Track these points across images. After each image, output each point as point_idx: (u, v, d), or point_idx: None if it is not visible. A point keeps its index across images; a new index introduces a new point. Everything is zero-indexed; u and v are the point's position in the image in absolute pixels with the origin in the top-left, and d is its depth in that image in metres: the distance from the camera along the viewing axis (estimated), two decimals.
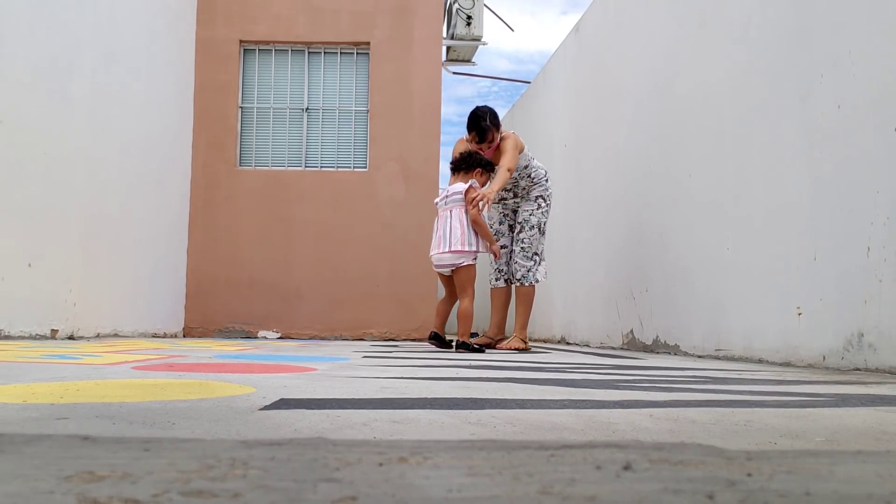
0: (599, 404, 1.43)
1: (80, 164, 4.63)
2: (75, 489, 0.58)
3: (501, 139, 4.76)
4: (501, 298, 4.90)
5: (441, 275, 4.41)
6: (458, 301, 4.33)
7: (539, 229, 4.81)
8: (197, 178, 6.66)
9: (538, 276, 4.75)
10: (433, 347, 4.56)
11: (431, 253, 4.38)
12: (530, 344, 4.95)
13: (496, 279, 4.92)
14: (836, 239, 2.91)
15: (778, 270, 3.30)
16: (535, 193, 4.86)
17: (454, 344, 4.22)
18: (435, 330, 4.37)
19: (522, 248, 4.81)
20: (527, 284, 4.75)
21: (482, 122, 4.65)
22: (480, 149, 4.69)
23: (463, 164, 4.38)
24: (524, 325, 4.72)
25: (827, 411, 1.38)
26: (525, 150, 4.89)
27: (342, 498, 0.57)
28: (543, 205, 4.83)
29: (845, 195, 2.87)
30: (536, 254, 4.78)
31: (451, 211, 4.24)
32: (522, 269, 4.75)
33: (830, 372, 2.71)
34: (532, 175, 4.88)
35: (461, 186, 4.26)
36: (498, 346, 4.70)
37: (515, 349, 4.56)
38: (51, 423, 1.00)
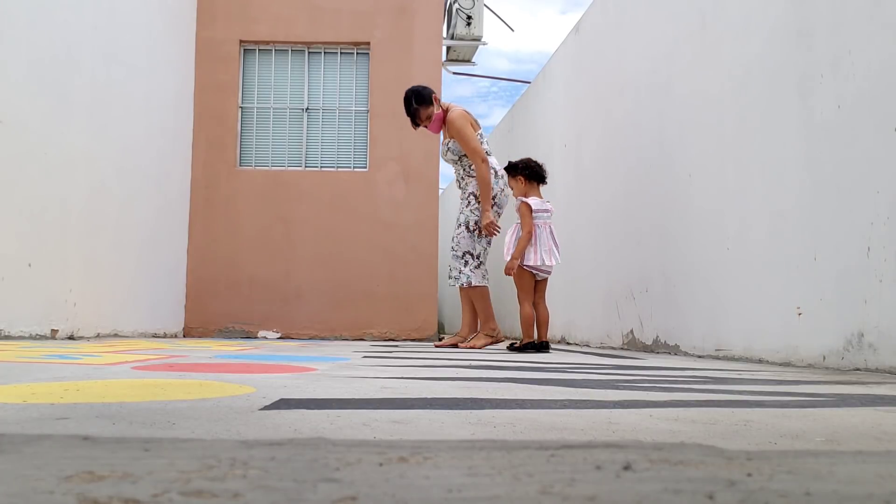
0: (599, 404, 1.43)
1: (80, 164, 4.63)
2: (75, 489, 0.58)
3: (448, 117, 4.68)
4: (465, 298, 4.78)
5: (533, 280, 4.44)
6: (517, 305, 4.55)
7: (467, 228, 4.62)
8: (197, 178, 6.66)
9: (471, 280, 4.57)
10: (432, 347, 4.56)
11: (547, 263, 4.33)
12: (503, 335, 4.73)
13: (450, 277, 4.79)
14: (836, 239, 2.91)
15: (778, 270, 3.30)
16: (469, 189, 4.70)
17: (542, 345, 4.34)
18: (542, 339, 4.36)
19: (452, 247, 4.69)
20: (458, 286, 4.63)
21: (407, 110, 4.73)
22: (425, 127, 4.75)
23: (545, 177, 4.54)
24: (486, 321, 4.59)
25: (827, 411, 1.38)
26: (478, 131, 4.71)
27: (342, 498, 0.57)
28: (474, 202, 4.64)
29: (845, 195, 2.87)
30: (469, 253, 4.59)
31: (550, 226, 4.43)
32: (454, 271, 4.64)
33: (830, 372, 2.71)
34: (469, 167, 4.71)
35: (550, 204, 4.51)
36: (461, 345, 4.62)
37: (479, 347, 4.48)
38: (51, 423, 1.00)
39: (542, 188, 4.56)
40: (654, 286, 4.67)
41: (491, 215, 4.55)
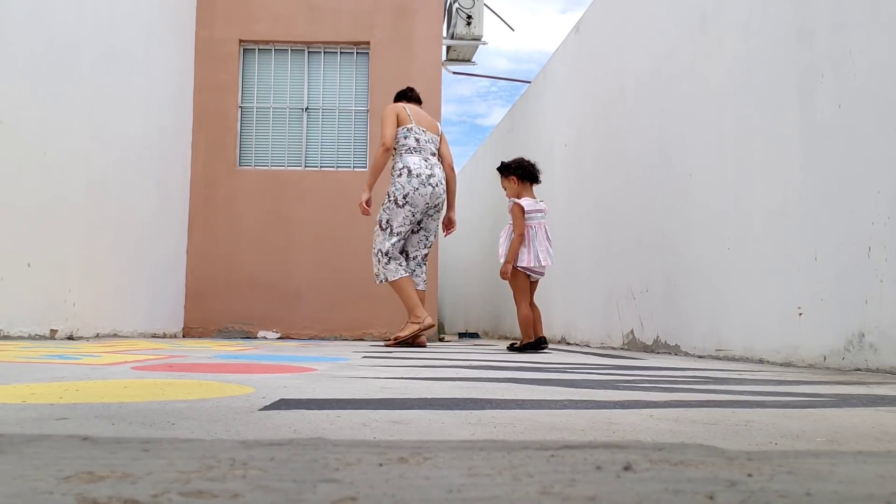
0: (600, 404, 1.43)
1: (79, 164, 4.63)
2: (75, 489, 0.58)
3: None
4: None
5: (528, 281, 4.44)
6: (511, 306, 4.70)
7: (380, 226, 4.73)
8: (197, 178, 6.66)
9: (386, 276, 4.64)
10: (431, 348, 4.56)
11: (542, 263, 4.36)
12: (429, 321, 4.63)
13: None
14: (836, 239, 2.91)
15: (778, 270, 3.30)
16: (389, 188, 4.82)
17: (539, 340, 4.37)
18: (539, 335, 4.40)
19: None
20: (377, 283, 4.77)
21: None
22: None
23: (539, 177, 4.57)
24: (410, 311, 4.65)
25: (828, 412, 1.38)
26: (407, 125, 4.80)
27: (342, 498, 0.57)
28: (387, 201, 4.73)
29: (845, 195, 2.87)
30: (379, 251, 4.67)
31: (545, 227, 4.44)
32: (373, 267, 4.79)
33: (831, 372, 2.71)
34: (393, 165, 4.82)
35: (544, 204, 4.51)
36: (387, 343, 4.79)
37: (404, 336, 4.60)
38: (50, 424, 1.00)
39: (536, 187, 4.55)
40: (654, 286, 4.67)
41: (366, 195, 4.78)
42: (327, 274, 6.61)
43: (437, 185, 4.70)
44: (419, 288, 4.81)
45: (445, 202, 4.90)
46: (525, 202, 4.35)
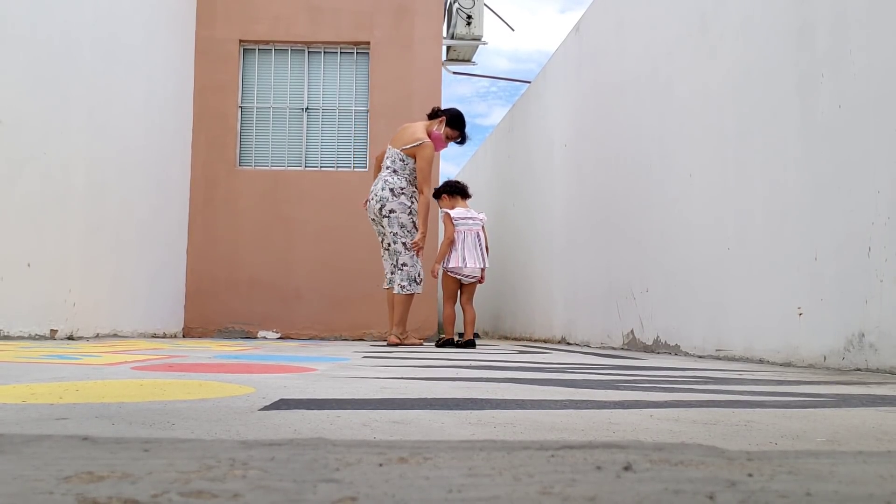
0: (600, 405, 1.43)
1: (79, 164, 4.63)
2: (75, 489, 0.58)
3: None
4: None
5: (458, 282, 4.96)
6: (450, 305, 5.06)
7: None
8: (197, 178, 6.66)
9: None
10: (433, 347, 4.58)
11: (469, 265, 4.83)
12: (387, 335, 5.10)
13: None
14: (836, 239, 2.91)
15: (778, 270, 3.30)
16: None
17: (467, 342, 4.76)
18: (468, 337, 4.81)
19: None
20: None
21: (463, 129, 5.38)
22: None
23: (466, 191, 5.12)
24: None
25: (828, 412, 1.38)
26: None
27: (342, 498, 0.57)
28: None
29: (845, 195, 2.87)
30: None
31: (476, 233, 4.93)
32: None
33: (831, 372, 2.71)
34: None
35: (481, 215, 5.04)
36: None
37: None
38: (50, 424, 1.00)
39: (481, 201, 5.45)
40: (654, 286, 4.67)
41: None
42: (327, 274, 6.61)
43: (370, 200, 5.08)
44: (394, 291, 5.01)
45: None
46: (454, 211, 4.92)
